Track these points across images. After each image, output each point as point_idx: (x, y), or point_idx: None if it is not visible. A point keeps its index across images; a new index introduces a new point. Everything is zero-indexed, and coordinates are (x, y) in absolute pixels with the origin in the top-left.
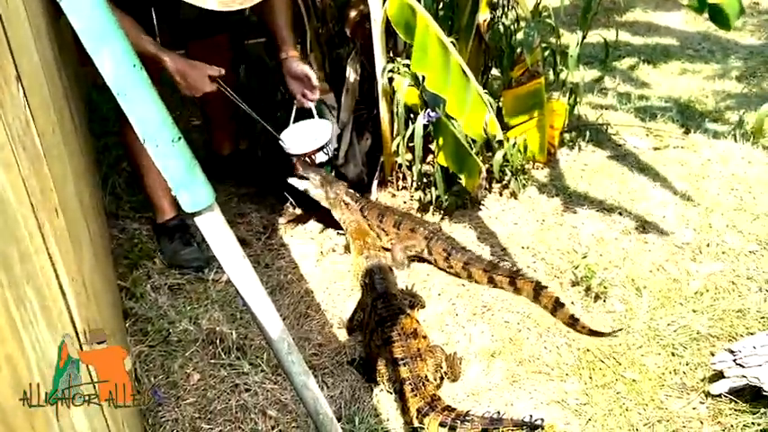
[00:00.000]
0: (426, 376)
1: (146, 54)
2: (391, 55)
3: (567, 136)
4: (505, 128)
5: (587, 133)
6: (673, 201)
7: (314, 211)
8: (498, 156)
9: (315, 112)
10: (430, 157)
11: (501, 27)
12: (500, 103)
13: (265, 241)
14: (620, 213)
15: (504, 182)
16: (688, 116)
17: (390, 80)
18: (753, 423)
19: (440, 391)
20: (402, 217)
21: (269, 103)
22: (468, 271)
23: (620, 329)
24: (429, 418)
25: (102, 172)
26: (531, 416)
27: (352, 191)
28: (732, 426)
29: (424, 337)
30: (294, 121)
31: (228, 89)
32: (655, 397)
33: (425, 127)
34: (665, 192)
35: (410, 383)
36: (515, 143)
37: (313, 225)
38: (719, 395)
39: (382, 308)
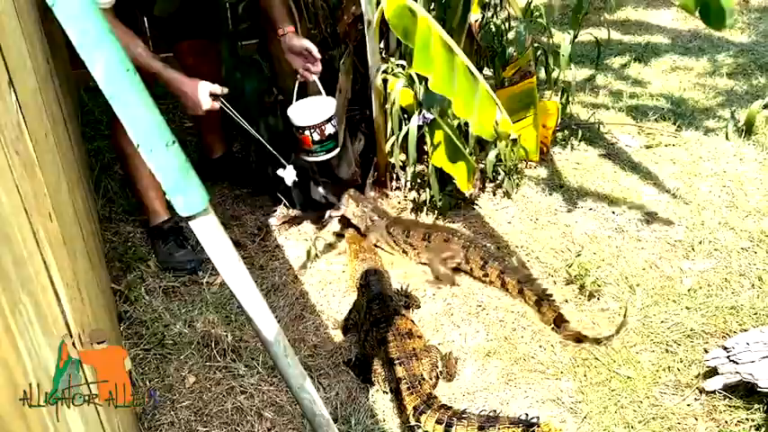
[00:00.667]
0: (422, 375)
1: (147, 70)
2: (384, 56)
3: (559, 135)
4: None
5: (580, 132)
6: (665, 198)
7: (307, 212)
8: (491, 155)
9: (319, 84)
10: (424, 158)
11: (492, 27)
12: None
13: (259, 243)
14: (613, 212)
15: (498, 181)
16: (679, 114)
17: (384, 81)
18: (747, 419)
19: (435, 390)
20: (430, 229)
21: (262, 106)
22: (503, 280)
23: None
24: (425, 416)
25: (94, 175)
26: (526, 414)
27: (379, 207)
28: (726, 422)
29: (420, 337)
30: (297, 99)
31: (229, 106)
32: (649, 394)
33: (419, 128)
34: (657, 189)
35: (406, 383)
36: (508, 143)
37: (307, 226)
38: (714, 391)
39: (377, 309)
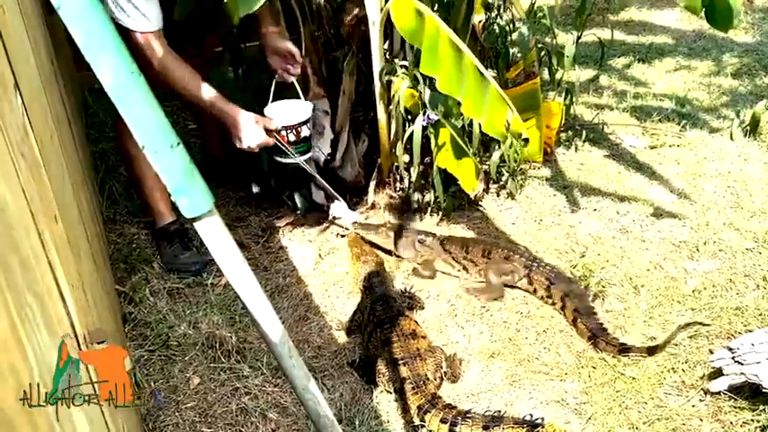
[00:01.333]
0: (426, 375)
1: (198, 102)
2: (388, 57)
3: (563, 136)
4: None
5: (584, 133)
6: (669, 199)
7: (311, 214)
8: (495, 156)
9: (297, 87)
10: (427, 159)
11: (496, 28)
12: None
13: (264, 244)
14: (618, 212)
15: (502, 182)
16: (684, 114)
17: (388, 82)
18: (752, 420)
19: (440, 391)
20: (490, 245)
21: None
22: (564, 303)
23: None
24: (430, 415)
25: (99, 177)
26: (531, 415)
27: (423, 230)
28: (732, 423)
29: (424, 338)
30: (273, 99)
31: (284, 143)
32: (654, 395)
33: (423, 129)
34: (661, 190)
35: (410, 382)
36: (512, 144)
37: (311, 228)
38: (719, 392)
39: (381, 310)
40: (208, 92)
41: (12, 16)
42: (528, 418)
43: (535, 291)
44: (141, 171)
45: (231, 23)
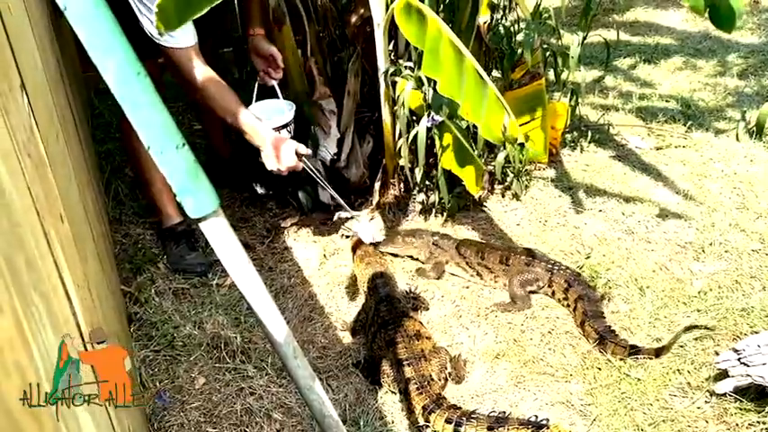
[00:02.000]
0: (431, 376)
1: (232, 123)
2: (392, 58)
3: (568, 136)
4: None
5: (589, 134)
6: (675, 200)
7: (316, 214)
8: (500, 157)
9: (278, 90)
10: (432, 160)
11: (501, 29)
12: None
13: (269, 245)
14: (623, 213)
15: (507, 183)
16: (689, 115)
17: (393, 83)
18: (758, 422)
19: (444, 392)
20: (507, 252)
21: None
22: (576, 305)
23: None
24: (435, 415)
25: (105, 177)
26: (536, 416)
27: (438, 232)
28: (737, 425)
29: (428, 339)
30: (256, 100)
31: (311, 166)
32: (659, 397)
33: (428, 130)
34: (667, 191)
35: (415, 383)
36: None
37: (316, 229)
38: (724, 394)
39: (385, 311)
40: (243, 110)
41: (18, 17)
42: (533, 419)
43: (554, 293)
44: (149, 172)
45: (234, 25)
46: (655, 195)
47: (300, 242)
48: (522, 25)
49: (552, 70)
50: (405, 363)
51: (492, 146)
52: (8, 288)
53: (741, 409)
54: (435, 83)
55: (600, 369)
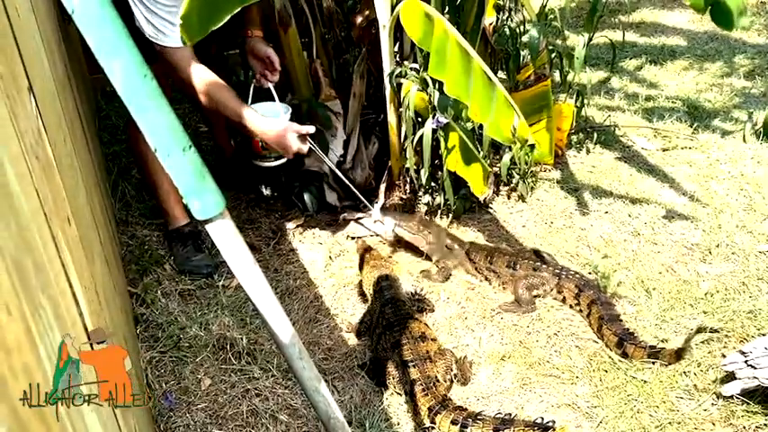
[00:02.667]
0: (436, 377)
1: (231, 116)
2: (398, 59)
3: (574, 138)
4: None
5: (595, 135)
6: (681, 202)
7: (321, 215)
8: (506, 159)
9: (274, 92)
10: (437, 161)
11: (507, 30)
12: None
13: (274, 246)
14: (629, 215)
15: (512, 185)
16: (696, 117)
17: (398, 85)
18: (765, 424)
19: (450, 393)
20: (515, 256)
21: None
22: (590, 310)
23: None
24: (441, 417)
25: (111, 179)
26: (542, 418)
27: (453, 233)
28: (744, 427)
29: (434, 340)
30: (251, 102)
31: (317, 146)
32: (666, 399)
33: (433, 131)
34: (673, 193)
35: (421, 384)
36: (523, 146)
37: (322, 230)
38: (731, 396)
39: (390, 313)
40: (240, 106)
41: (26, 19)
42: (539, 420)
43: (564, 299)
44: (156, 174)
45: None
46: (661, 197)
47: (306, 244)
48: (528, 26)
49: (558, 71)
50: (410, 364)
51: (497, 147)
52: (16, 291)
53: (748, 412)
54: (441, 84)
55: (606, 371)
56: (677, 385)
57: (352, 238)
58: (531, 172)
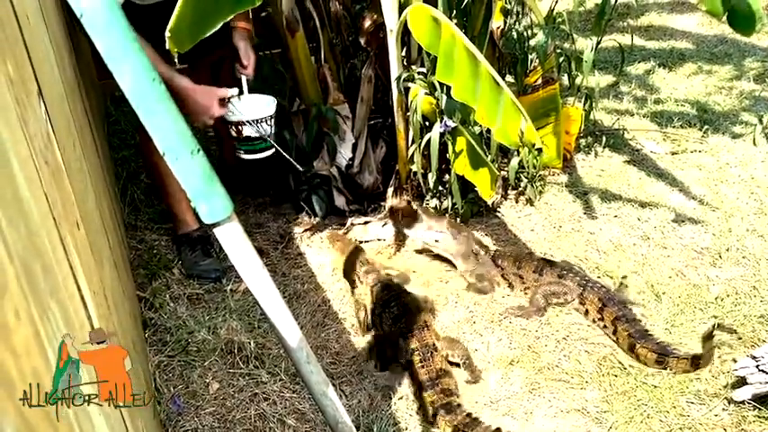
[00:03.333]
0: (434, 344)
1: (171, 82)
2: (405, 64)
3: (583, 141)
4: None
5: (603, 139)
6: (691, 206)
7: (329, 219)
8: (514, 162)
9: (245, 85)
10: (444, 165)
11: (515, 34)
12: None
13: (282, 250)
14: (638, 219)
15: (521, 188)
16: (705, 120)
17: (406, 89)
18: None
19: (460, 399)
20: (541, 262)
21: (281, 113)
22: (615, 327)
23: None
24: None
25: (120, 184)
26: None
27: (479, 239)
28: None
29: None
30: (239, 94)
31: (278, 146)
32: (676, 404)
33: (441, 135)
34: (683, 197)
35: (419, 354)
36: (531, 150)
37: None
38: (742, 402)
39: (383, 293)
40: (164, 68)
41: (36, 25)
42: None
43: (587, 312)
44: (167, 179)
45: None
46: (670, 201)
47: (314, 248)
48: (536, 30)
49: (566, 75)
50: (409, 335)
51: (505, 151)
52: (25, 294)
53: (760, 417)
54: (448, 88)
55: (616, 376)
56: (688, 390)
57: (362, 241)
58: (540, 176)
